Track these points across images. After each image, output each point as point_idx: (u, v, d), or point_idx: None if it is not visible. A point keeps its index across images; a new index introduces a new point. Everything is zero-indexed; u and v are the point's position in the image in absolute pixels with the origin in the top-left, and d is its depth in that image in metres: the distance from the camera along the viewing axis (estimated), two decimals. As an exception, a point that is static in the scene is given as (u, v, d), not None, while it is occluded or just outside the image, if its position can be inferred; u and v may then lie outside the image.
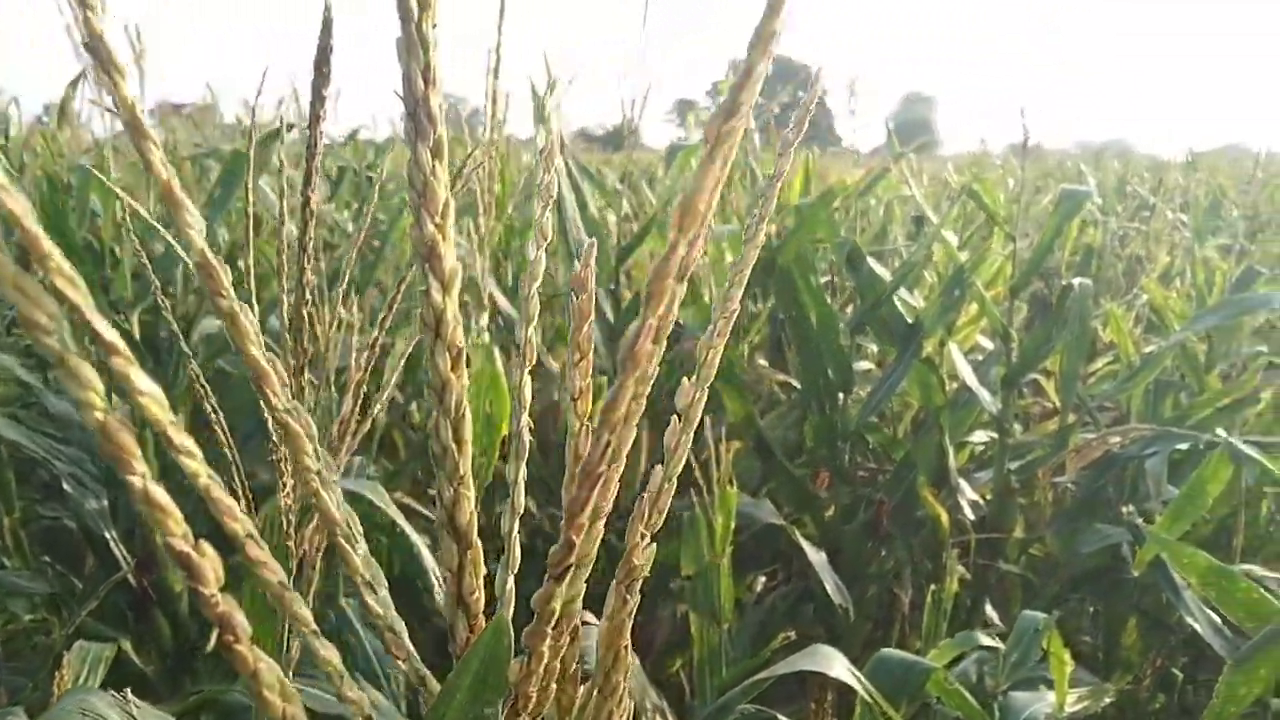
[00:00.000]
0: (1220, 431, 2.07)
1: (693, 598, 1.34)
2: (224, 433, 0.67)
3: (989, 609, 2.12)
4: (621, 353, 0.21)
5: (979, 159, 4.69)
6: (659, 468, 0.28)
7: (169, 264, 2.03)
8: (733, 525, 1.30)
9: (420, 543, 1.09)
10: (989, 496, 1.95)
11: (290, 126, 2.25)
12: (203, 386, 0.66)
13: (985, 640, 1.01)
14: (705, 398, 0.30)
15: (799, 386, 1.89)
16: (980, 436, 2.12)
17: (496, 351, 0.99)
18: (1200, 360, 2.07)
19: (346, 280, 0.80)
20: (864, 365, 2.05)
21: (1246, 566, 1.76)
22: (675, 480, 0.28)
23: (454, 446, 0.23)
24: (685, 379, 0.29)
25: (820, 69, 0.48)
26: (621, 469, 0.26)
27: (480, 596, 0.23)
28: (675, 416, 0.28)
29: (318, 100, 0.55)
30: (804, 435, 1.91)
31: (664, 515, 0.28)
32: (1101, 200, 4.37)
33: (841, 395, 1.90)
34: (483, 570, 0.24)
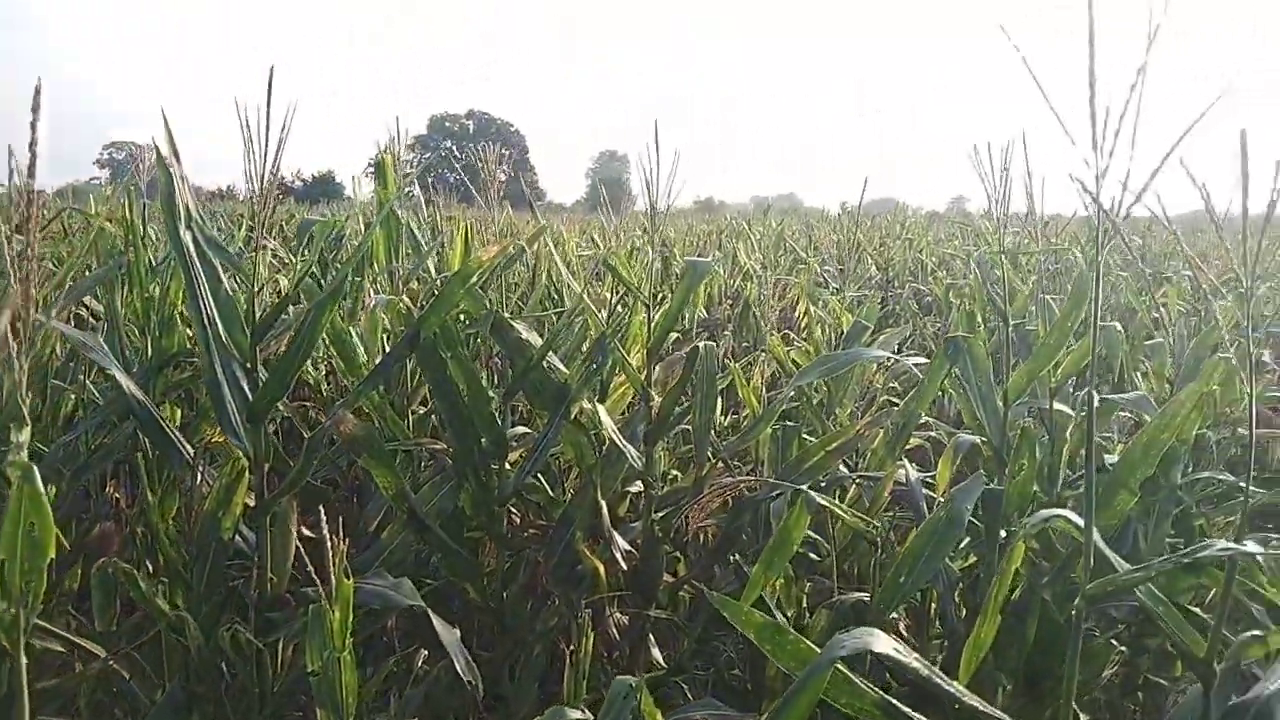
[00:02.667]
0: (843, 468, 2.33)
1: (318, 694, 1.29)
2: None
3: (655, 652, 2.23)
4: None
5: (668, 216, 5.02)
6: None
7: None
8: (352, 616, 1.27)
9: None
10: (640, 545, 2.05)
11: None
12: None
13: (573, 714, 1.05)
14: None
15: (451, 456, 1.90)
16: (639, 488, 2.24)
17: (36, 470, 0.91)
18: (819, 406, 2.31)
19: None
20: (522, 429, 2.10)
21: (857, 595, 1.98)
22: None
23: None
24: None
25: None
26: None
27: None
28: None
29: None
30: (462, 503, 1.92)
31: None
32: (763, 255, 4.81)
33: (497, 461, 1.93)
34: None
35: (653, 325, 1.99)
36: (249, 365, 1.77)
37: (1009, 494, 1.72)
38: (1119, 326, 2.48)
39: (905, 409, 2.12)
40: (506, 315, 2.16)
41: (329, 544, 1.25)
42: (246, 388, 1.76)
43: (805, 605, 1.91)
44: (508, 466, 2.00)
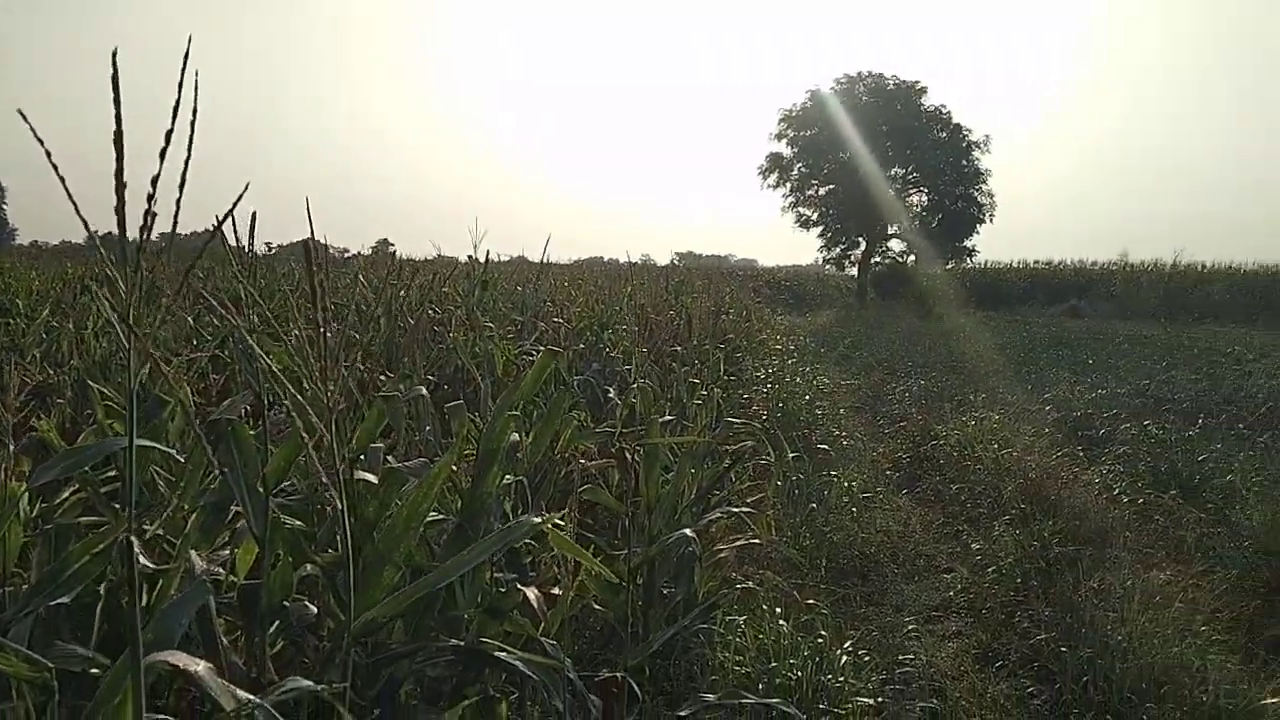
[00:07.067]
0: (146, 560, 2.08)
1: None
2: None
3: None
4: None
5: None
6: None
7: None
8: None
9: None
10: None
11: None
12: None
13: None
14: None
15: None
16: None
17: None
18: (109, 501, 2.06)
19: None
20: None
21: None
22: None
23: None
24: None
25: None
26: None
27: None
28: None
29: None
30: None
31: None
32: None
33: None
34: None
35: None
36: None
37: (269, 585, 1.64)
38: (425, 391, 2.58)
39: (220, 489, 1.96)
40: None
41: None
42: None
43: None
44: None
